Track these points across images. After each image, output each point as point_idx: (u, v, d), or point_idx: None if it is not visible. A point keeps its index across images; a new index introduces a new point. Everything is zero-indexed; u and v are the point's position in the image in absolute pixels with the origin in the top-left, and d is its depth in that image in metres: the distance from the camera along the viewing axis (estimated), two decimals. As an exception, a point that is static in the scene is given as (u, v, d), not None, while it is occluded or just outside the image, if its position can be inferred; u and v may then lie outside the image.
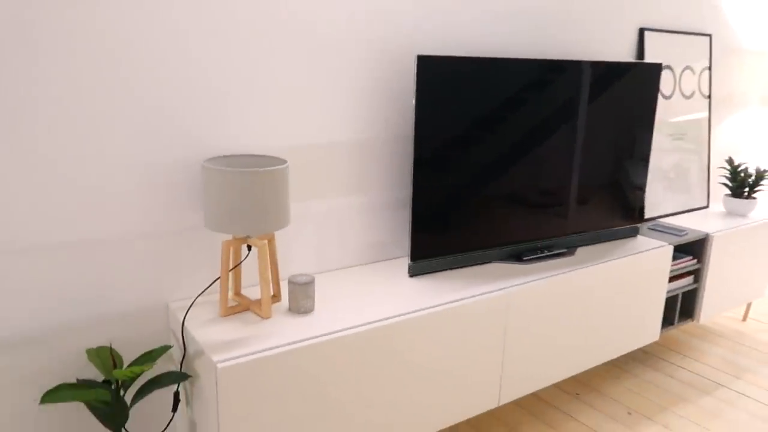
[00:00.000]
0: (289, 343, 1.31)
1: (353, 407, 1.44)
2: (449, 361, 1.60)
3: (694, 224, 2.46)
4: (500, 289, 1.68)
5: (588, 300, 1.92)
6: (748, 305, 2.96)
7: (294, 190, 1.65)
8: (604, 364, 2.47)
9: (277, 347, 1.29)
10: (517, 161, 1.85)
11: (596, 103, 1.99)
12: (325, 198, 1.71)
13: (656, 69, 2.12)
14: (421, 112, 1.63)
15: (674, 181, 2.63)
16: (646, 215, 2.50)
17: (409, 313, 1.50)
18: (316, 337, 1.35)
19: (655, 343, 2.69)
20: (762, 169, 2.60)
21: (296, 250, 1.69)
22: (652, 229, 2.37)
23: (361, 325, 1.42)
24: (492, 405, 1.75)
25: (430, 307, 1.54)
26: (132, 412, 1.50)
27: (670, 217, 2.59)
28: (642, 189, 2.20)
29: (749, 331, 2.84)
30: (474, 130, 1.74)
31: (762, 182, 2.69)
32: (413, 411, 1.56)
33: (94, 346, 1.40)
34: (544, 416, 2.09)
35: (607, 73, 1.99)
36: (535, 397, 2.22)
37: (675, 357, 2.55)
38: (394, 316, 1.48)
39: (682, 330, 2.82)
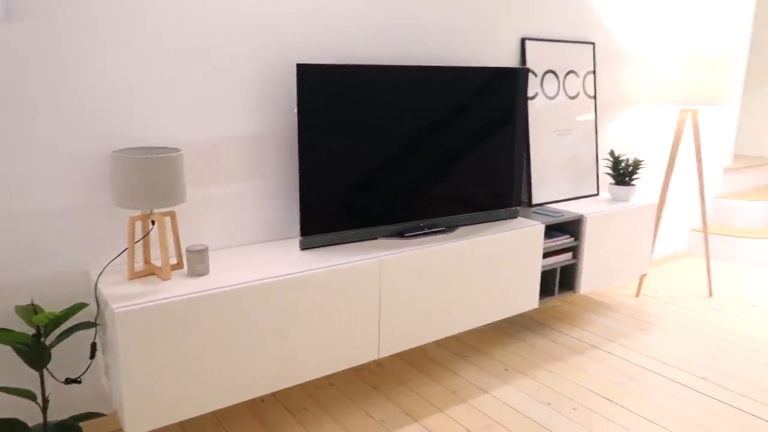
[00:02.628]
0: (177, 296, 1.63)
1: (240, 354, 1.75)
2: (330, 316, 1.93)
3: (580, 209, 2.80)
4: (375, 257, 2.01)
5: (463, 269, 2.26)
6: (640, 281, 3.32)
7: (198, 176, 1.97)
8: (497, 331, 2.81)
9: (166, 298, 1.61)
10: (399, 153, 2.19)
11: (470, 103, 2.33)
12: (226, 183, 2.04)
13: (524, 73, 2.47)
14: (304, 112, 1.96)
15: (567, 171, 2.98)
16: (539, 201, 2.85)
17: (291, 273, 1.83)
18: (204, 291, 1.67)
19: (545, 313, 3.04)
20: (639, 160, 2.96)
21: (202, 229, 2.02)
22: (536, 213, 2.71)
23: (246, 282, 1.74)
24: (372, 356, 2.07)
25: (311, 269, 1.87)
26: (59, 361, 1.81)
27: (563, 203, 2.94)
28: (519, 177, 2.54)
29: (639, 304, 3.20)
30: (354, 127, 2.07)
31: (638, 170, 3.05)
32: (297, 358, 1.88)
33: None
34: (430, 372, 2.42)
35: (480, 76, 2.34)
36: (426, 357, 2.55)
37: (563, 326, 2.90)
38: (277, 276, 1.80)
39: (574, 304, 3.17)
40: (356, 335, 2.01)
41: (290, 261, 1.94)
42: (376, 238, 2.23)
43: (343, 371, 2.43)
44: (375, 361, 2.52)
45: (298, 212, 2.16)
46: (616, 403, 2.21)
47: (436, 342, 2.70)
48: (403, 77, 2.15)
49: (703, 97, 3.04)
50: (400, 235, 2.25)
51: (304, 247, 2.07)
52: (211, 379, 1.72)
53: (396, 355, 2.58)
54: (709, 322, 2.96)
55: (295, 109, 2.03)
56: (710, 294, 3.35)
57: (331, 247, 2.12)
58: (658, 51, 3.44)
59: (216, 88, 1.95)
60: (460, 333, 2.79)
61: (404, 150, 2.21)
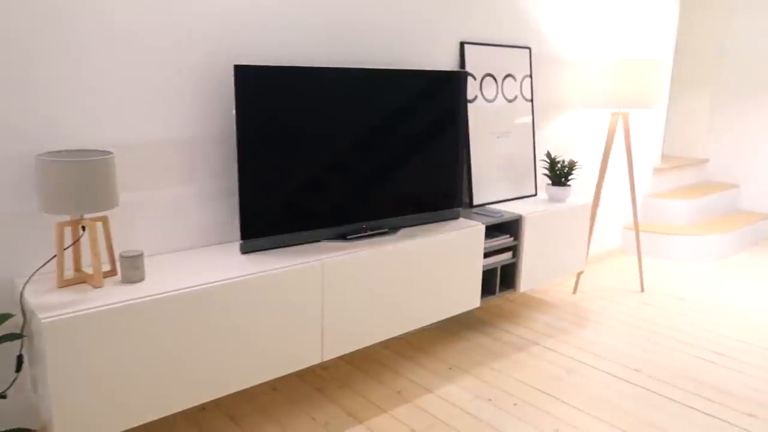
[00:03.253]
0: (110, 304, 1.57)
1: (178, 362, 1.71)
2: (272, 321, 1.90)
3: (519, 209, 2.87)
4: (317, 260, 2.00)
5: (406, 270, 2.27)
6: (578, 278, 3.44)
7: (132, 180, 1.91)
8: (441, 331, 2.84)
9: (98, 307, 1.55)
10: (342, 155, 2.18)
11: (411, 106, 2.35)
12: (163, 186, 1.98)
13: (463, 76, 2.52)
14: (243, 114, 1.93)
15: (507, 172, 3.05)
16: (480, 201, 2.90)
17: (230, 278, 1.79)
18: (138, 298, 1.61)
19: (488, 312, 3.10)
20: (573, 161, 3.06)
21: (137, 234, 1.95)
22: (477, 213, 2.76)
23: (183, 288, 1.69)
24: (316, 360, 2.06)
25: (251, 274, 1.84)
26: (-19, 377, 1.71)
27: (503, 203, 3.00)
28: (460, 178, 2.59)
29: (576, 301, 3.31)
30: (296, 129, 2.05)
31: (574, 171, 3.16)
32: (239, 364, 1.84)
33: (-59, 317, 1.61)
34: (375, 374, 2.43)
35: (420, 79, 2.36)
36: (371, 359, 2.56)
37: (505, 323, 2.97)
38: (216, 281, 1.76)
39: (516, 302, 3.25)
40: (299, 339, 1.99)
41: (230, 265, 1.91)
42: (318, 241, 2.21)
43: (286, 376, 2.40)
44: (319, 364, 2.50)
45: (238, 215, 2.12)
46: (555, 397, 2.27)
47: (380, 343, 2.71)
48: (345, 79, 2.15)
49: (633, 100, 3.18)
50: (343, 237, 2.25)
51: (245, 251, 2.04)
52: (148, 389, 1.66)
53: (340, 357, 2.57)
54: (641, 316, 3.09)
55: (234, 111, 1.99)
56: (642, 289, 3.50)
57: (273, 250, 2.09)
58: (590, 56, 3.57)
59: (151, 89, 1.89)
60: (404, 333, 2.81)
61: (347, 152, 2.20)
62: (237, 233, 2.20)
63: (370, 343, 2.22)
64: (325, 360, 2.10)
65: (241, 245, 2.02)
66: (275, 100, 2.00)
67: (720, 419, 2.14)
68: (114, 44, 1.79)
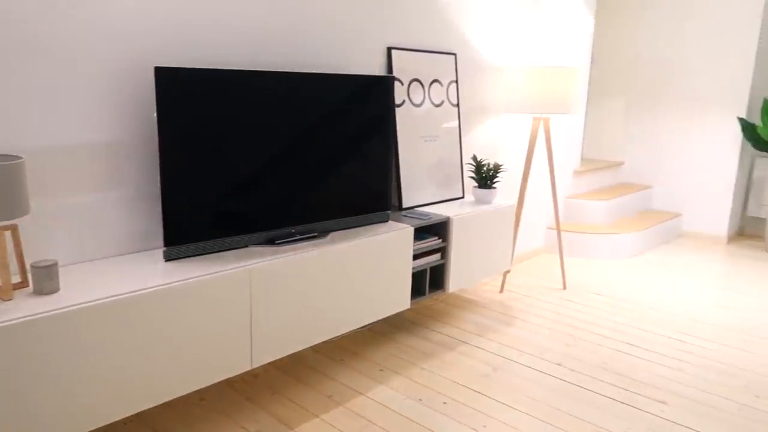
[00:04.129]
0: (20, 317, 1.48)
1: (97, 376, 1.63)
2: (198, 329, 1.85)
3: (447, 211, 2.93)
4: (243, 266, 1.97)
5: (336, 273, 2.28)
6: (504, 278, 3.55)
7: (45, 186, 1.81)
8: (372, 333, 2.87)
9: (6, 321, 1.46)
10: (270, 159, 2.16)
11: (339, 110, 2.36)
12: (80, 193, 1.89)
13: (390, 81, 2.55)
14: (164, 117, 1.87)
15: (435, 175, 3.11)
16: (409, 204, 2.95)
17: (153, 287, 1.74)
18: (52, 310, 1.53)
19: (419, 313, 3.15)
20: (498, 164, 3.16)
21: (51, 243, 1.85)
22: (406, 216, 2.80)
23: (101, 299, 1.62)
24: (245, 367, 2.02)
25: (175, 282, 1.78)
26: None
27: (431, 206, 3.06)
28: (389, 182, 2.62)
29: (503, 299, 3.41)
30: (221, 132, 2.02)
31: (499, 174, 3.26)
32: (163, 375, 1.79)
33: None
34: (306, 379, 2.42)
35: (348, 83, 2.38)
36: (302, 363, 2.54)
37: (435, 324, 3.02)
38: (137, 290, 1.70)
39: (446, 302, 3.32)
40: (227, 347, 1.95)
41: (152, 273, 1.85)
42: (246, 246, 2.18)
43: (215, 385, 2.35)
44: (249, 372, 2.46)
45: (162, 222, 2.06)
46: (483, 394, 2.34)
47: (311, 348, 2.70)
48: (272, 83, 2.13)
49: (552, 106, 3.32)
50: (272, 242, 2.22)
51: (168, 258, 1.98)
52: (63, 407, 1.59)
53: (270, 363, 2.54)
54: (563, 313, 3.23)
55: (155, 114, 1.93)
56: (564, 287, 3.65)
57: (199, 257, 2.04)
58: (512, 63, 3.71)
59: (66, 91, 1.81)
60: (335, 337, 2.81)
61: (275, 156, 2.19)
62: (161, 240, 2.13)
63: (301, 348, 2.21)
64: (254, 367, 2.07)
65: (165, 252, 1.96)
66: (199, 104, 1.95)
67: (634, 407, 2.27)
68: (19, 43, 1.70)
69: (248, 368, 2.03)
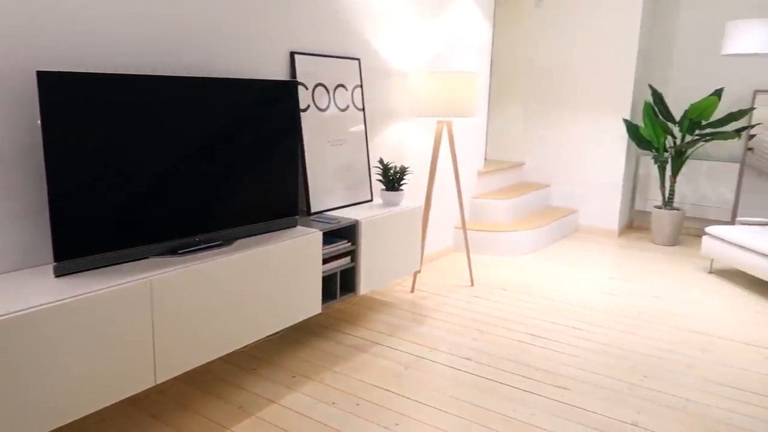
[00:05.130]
0: None
1: (-22, 401, 1.51)
2: (94, 347, 1.76)
3: (355, 215, 2.95)
4: (143, 278, 1.89)
5: (244, 281, 2.23)
6: (414, 278, 3.62)
7: None
8: (284, 339, 2.84)
9: None
10: (170, 166, 2.09)
11: (242, 115, 2.32)
12: (-47, 208, 1.74)
13: (294, 85, 2.54)
14: (50, 124, 1.76)
15: (343, 179, 3.12)
16: (318, 209, 2.94)
17: (41, 305, 1.62)
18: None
19: (331, 317, 3.16)
20: (404, 167, 3.23)
21: None
22: (314, 221, 2.80)
23: (-20, 322, 1.50)
24: (149, 384, 1.94)
25: (67, 298, 1.68)
26: None
27: (340, 210, 3.07)
28: (295, 187, 2.60)
29: (414, 299, 3.48)
30: (115, 139, 1.92)
31: (405, 176, 3.33)
32: (56, 398, 1.68)
33: None
34: (216, 391, 2.35)
35: (251, 88, 2.34)
36: (211, 375, 2.47)
37: (347, 327, 3.04)
38: (22, 309, 1.58)
39: (358, 305, 3.35)
40: (128, 364, 1.86)
41: (41, 290, 1.73)
42: (147, 257, 2.09)
43: (117, 404, 2.23)
44: (153, 388, 2.36)
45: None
46: (396, 393, 2.38)
47: (221, 359, 2.63)
48: (170, 88, 2.06)
49: (455, 109, 3.43)
50: (174, 252, 2.15)
51: (60, 273, 1.86)
52: (-59, 440, 1.45)
53: (177, 378, 2.45)
54: (471, 309, 3.34)
55: (39, 122, 1.82)
56: (472, 284, 3.78)
57: (95, 270, 1.93)
58: (416, 68, 3.80)
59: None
60: (245, 346, 2.75)
61: (175, 163, 2.11)
62: (51, 255, 2.00)
63: (208, 360, 2.15)
64: (159, 383, 1.99)
65: (55, 268, 1.85)
66: (88, 110, 1.85)
67: (538, 395, 2.39)
68: None
69: (152, 384, 1.95)
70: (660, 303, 3.50)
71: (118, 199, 1.97)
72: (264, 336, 2.38)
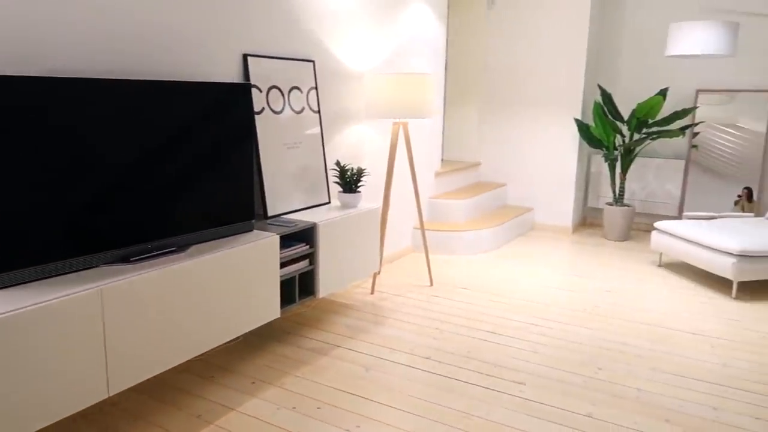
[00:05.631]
0: None
1: None
2: (41, 361, 1.69)
3: (313, 217, 2.94)
4: (93, 287, 1.83)
5: (199, 288, 2.19)
6: (374, 279, 3.63)
7: None
8: (244, 345, 2.80)
9: None
10: (120, 172, 2.03)
11: (195, 118, 2.28)
12: None
13: (247, 88, 2.52)
14: (-12, 129, 1.70)
15: (300, 182, 3.11)
16: (275, 212, 2.92)
17: (-17, 321, 1.56)
18: None
19: (291, 321, 3.13)
20: (361, 168, 3.23)
21: None
22: (271, 224, 2.77)
23: None
24: (102, 396, 1.88)
25: (7, 312, 1.62)
26: None
27: (298, 213, 3.05)
28: (250, 191, 2.58)
29: (374, 300, 3.49)
30: (59, 145, 1.86)
31: (362, 178, 3.34)
32: (1, 416, 1.62)
33: None
34: (172, 400, 2.31)
35: (203, 91, 2.30)
36: (168, 385, 2.42)
37: (307, 330, 3.02)
38: (-37, 326, 1.52)
39: (318, 308, 3.34)
40: (78, 376, 1.81)
41: (-16, 304, 1.66)
42: (97, 266, 2.03)
43: (67, 419, 2.16)
44: (107, 401, 2.30)
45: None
46: (356, 395, 2.38)
47: (178, 367, 2.58)
48: (119, 91, 2.01)
49: (410, 111, 3.46)
50: (126, 260, 2.10)
51: (0, 286, 1.79)
52: None
53: (132, 389, 2.39)
54: (431, 308, 3.37)
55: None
56: (431, 283, 3.82)
57: (40, 281, 1.87)
58: (371, 70, 3.81)
59: None
60: (203, 354, 2.71)
61: (126, 169, 2.06)
62: (-7, 266, 1.92)
63: (164, 370, 2.10)
64: (112, 395, 1.94)
65: (-2, 279, 1.78)
66: (21, 114, 1.79)
67: (495, 390, 2.43)
68: None
69: (105, 396, 1.90)
70: (612, 297, 3.61)
71: (65, 207, 1.91)
72: (222, 343, 2.35)
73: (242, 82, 2.67)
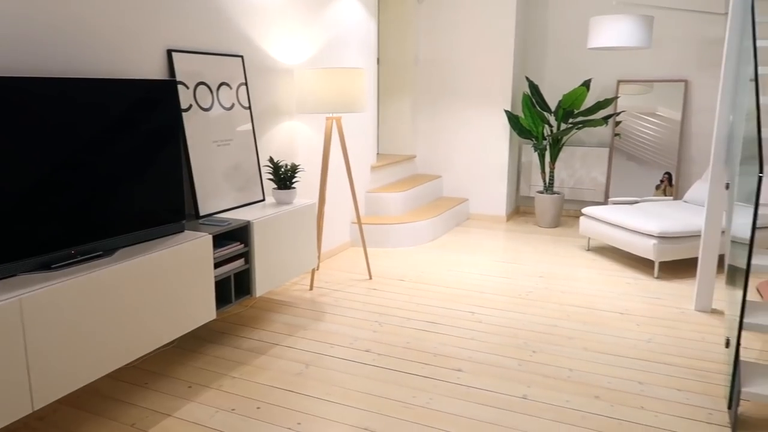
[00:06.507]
0: None
1: None
2: (-45, 379, 1.60)
3: (247, 215, 2.89)
4: (13, 297, 1.74)
5: (128, 293, 2.12)
6: (312, 275, 3.61)
7: None
8: (179, 350, 2.73)
9: None
10: (37, 175, 1.93)
11: (117, 118, 2.19)
12: None
13: (172, 85, 2.44)
14: None
15: (233, 180, 3.04)
16: (207, 212, 2.85)
17: None
18: None
19: (227, 321, 3.08)
20: (295, 164, 3.20)
21: None
22: (203, 224, 2.70)
23: None
24: (26, 411, 1.79)
25: None
26: None
27: (231, 211, 2.99)
28: (180, 190, 2.50)
29: (313, 296, 3.48)
30: (-36, 147, 1.75)
31: (297, 174, 3.31)
32: None
33: None
34: (104, 411, 2.22)
35: (125, 89, 2.21)
36: (99, 395, 2.33)
37: (245, 330, 2.97)
38: None
39: (255, 307, 3.29)
40: (1, 391, 1.71)
41: None
42: (15, 275, 1.93)
43: (-10, 438, 2.05)
44: (32, 415, 2.19)
45: None
46: (297, 392, 2.36)
47: (108, 376, 2.49)
48: (34, 90, 1.90)
49: (342, 105, 3.45)
50: (47, 267, 2.00)
51: None
52: None
53: (60, 401, 2.29)
54: (370, 301, 3.39)
55: None
56: (370, 277, 3.84)
57: (-49, 294, 1.75)
58: (302, 64, 3.77)
59: None
60: (136, 360, 2.62)
61: (44, 171, 1.96)
62: None
63: (93, 379, 2.02)
64: (37, 409, 1.85)
65: None
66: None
67: (435, 379, 2.48)
68: None
69: (29, 411, 1.81)
70: (545, 282, 3.74)
71: (-24, 213, 1.79)
72: (155, 348, 2.28)
73: (167, 78, 2.59)
